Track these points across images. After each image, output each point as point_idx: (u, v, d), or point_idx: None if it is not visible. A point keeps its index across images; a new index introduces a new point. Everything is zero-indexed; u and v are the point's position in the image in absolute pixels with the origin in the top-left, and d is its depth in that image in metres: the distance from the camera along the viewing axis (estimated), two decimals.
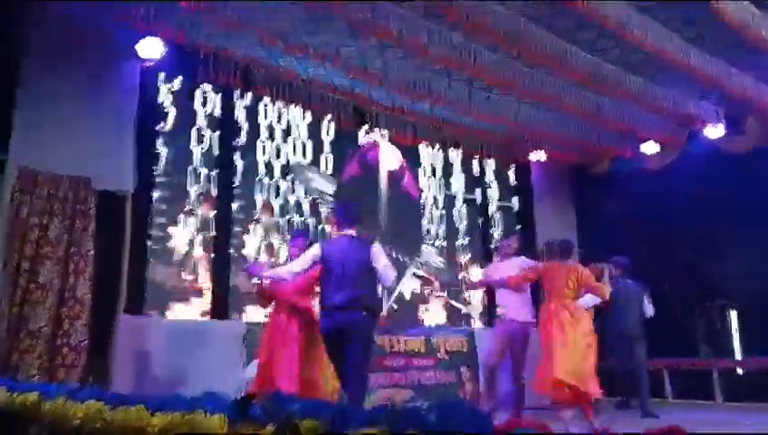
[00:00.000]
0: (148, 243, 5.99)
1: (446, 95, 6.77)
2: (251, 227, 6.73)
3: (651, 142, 8.18)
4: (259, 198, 6.86)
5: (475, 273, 8.34)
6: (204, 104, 6.66)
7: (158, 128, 6.27)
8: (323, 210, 7.28)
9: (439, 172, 8.63)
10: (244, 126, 6.90)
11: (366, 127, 7.76)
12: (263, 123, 7.07)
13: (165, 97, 6.37)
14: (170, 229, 6.21)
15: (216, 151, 6.64)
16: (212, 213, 6.49)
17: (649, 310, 6.78)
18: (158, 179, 6.19)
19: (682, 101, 7.14)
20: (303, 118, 7.35)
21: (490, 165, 9.17)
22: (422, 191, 8.35)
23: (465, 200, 8.78)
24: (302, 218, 7.10)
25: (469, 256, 8.62)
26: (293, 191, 7.12)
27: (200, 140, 6.56)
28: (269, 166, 7.00)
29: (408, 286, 7.70)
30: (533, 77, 6.44)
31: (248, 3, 5.15)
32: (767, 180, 7.19)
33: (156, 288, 5.98)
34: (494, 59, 6.08)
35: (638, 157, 8.40)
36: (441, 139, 8.49)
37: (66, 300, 5.08)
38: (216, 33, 5.71)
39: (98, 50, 5.63)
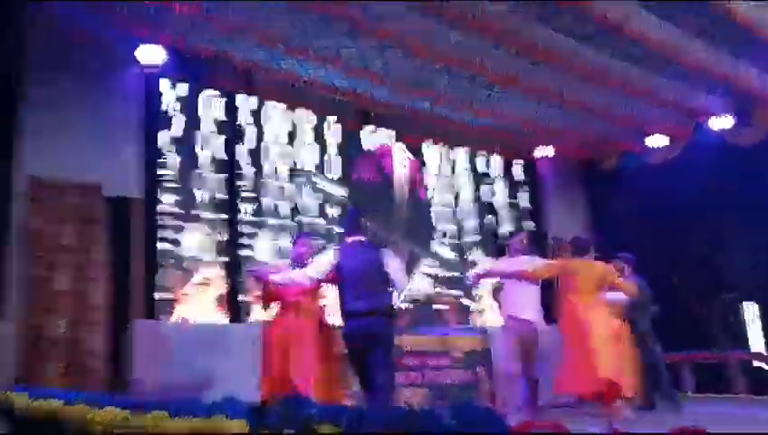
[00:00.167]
0: (159, 247, 6.04)
1: (449, 93, 6.78)
2: (258, 230, 6.78)
3: (658, 135, 8.16)
4: (266, 201, 6.90)
5: (484, 263, 8.31)
6: (209, 109, 6.70)
7: (164, 133, 6.31)
8: (332, 212, 7.30)
9: (446, 171, 8.64)
10: (250, 129, 6.94)
11: (370, 127, 7.78)
12: (267, 126, 7.10)
13: (170, 102, 6.42)
14: (179, 233, 6.26)
15: (222, 155, 6.67)
16: (220, 216, 6.53)
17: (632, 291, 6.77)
18: (166, 184, 6.23)
19: (689, 93, 7.13)
20: (307, 120, 7.38)
21: (497, 162, 9.17)
22: (428, 189, 8.36)
23: (472, 198, 8.78)
24: (310, 220, 7.14)
25: (479, 253, 8.62)
26: (302, 195, 7.17)
27: (206, 144, 6.60)
28: (275, 169, 7.04)
29: (420, 286, 7.71)
30: (538, 73, 6.45)
31: (247, 5, 5.18)
32: None
33: (168, 293, 6.03)
34: (497, 55, 6.09)
35: (645, 151, 8.37)
36: (446, 137, 8.49)
37: (82, 307, 5.13)
38: (217, 37, 5.74)
39: (100, 57, 5.68)
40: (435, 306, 7.90)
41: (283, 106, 7.17)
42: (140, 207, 5.81)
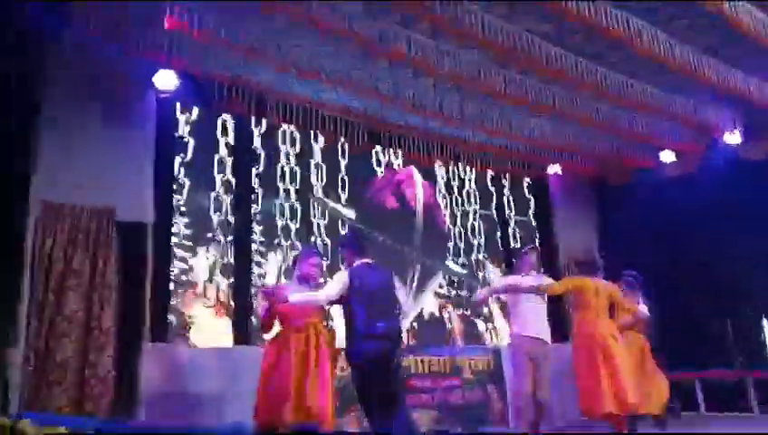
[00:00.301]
0: (171, 271, 6.07)
1: (457, 112, 6.79)
2: (270, 252, 6.79)
3: (669, 151, 8.11)
4: (278, 223, 6.92)
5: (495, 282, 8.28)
6: (222, 133, 6.77)
7: (177, 157, 6.38)
8: (342, 232, 7.31)
9: (455, 190, 8.65)
10: (262, 152, 7.01)
11: (379, 148, 7.82)
12: (280, 149, 7.18)
13: (183, 127, 6.49)
14: (192, 257, 6.29)
15: (235, 178, 6.73)
16: (232, 239, 6.55)
17: (644, 310, 6.70)
18: (178, 208, 6.28)
19: (700, 108, 7.09)
20: (317, 141, 7.43)
21: (506, 180, 9.16)
22: (446, 214, 8.38)
23: (481, 216, 8.76)
24: (321, 240, 7.14)
25: (490, 270, 8.58)
26: (314, 217, 7.18)
27: (219, 167, 6.66)
28: (287, 191, 7.09)
29: (429, 306, 7.66)
30: (547, 91, 6.45)
31: (260, 30, 5.24)
32: None
33: (179, 316, 6.04)
34: (505, 74, 6.11)
35: (658, 166, 8.31)
36: (457, 156, 8.48)
37: (92, 331, 5.15)
38: (231, 62, 5.81)
39: (114, 82, 5.75)
40: (445, 325, 7.85)
41: (293, 128, 7.22)
42: (153, 231, 5.84)
